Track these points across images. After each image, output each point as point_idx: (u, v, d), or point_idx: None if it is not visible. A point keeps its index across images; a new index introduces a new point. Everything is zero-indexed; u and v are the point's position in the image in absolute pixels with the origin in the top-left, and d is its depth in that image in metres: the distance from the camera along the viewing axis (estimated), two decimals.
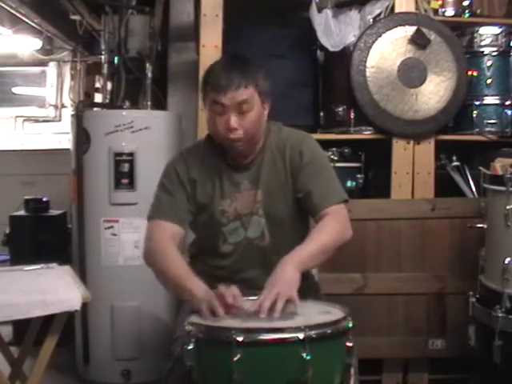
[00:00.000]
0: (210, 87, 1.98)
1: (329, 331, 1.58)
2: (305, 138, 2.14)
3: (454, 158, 3.17)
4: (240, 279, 2.00)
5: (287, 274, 1.80)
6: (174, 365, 1.87)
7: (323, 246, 1.92)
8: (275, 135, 2.12)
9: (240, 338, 1.52)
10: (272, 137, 2.11)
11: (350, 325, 1.64)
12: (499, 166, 2.51)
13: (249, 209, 2.07)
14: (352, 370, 1.65)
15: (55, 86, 6.93)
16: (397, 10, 3.08)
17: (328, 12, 3.07)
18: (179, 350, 1.82)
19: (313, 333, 1.54)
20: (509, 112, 3.11)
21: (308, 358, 1.51)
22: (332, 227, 1.97)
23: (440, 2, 3.14)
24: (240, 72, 1.97)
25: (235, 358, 1.51)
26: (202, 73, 2.97)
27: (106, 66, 3.85)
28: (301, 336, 1.52)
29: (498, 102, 3.12)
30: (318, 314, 1.73)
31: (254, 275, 2.04)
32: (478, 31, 3.11)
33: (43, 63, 6.81)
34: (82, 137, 3.21)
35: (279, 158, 2.08)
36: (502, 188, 2.40)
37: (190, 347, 1.60)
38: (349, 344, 1.63)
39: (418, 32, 3.01)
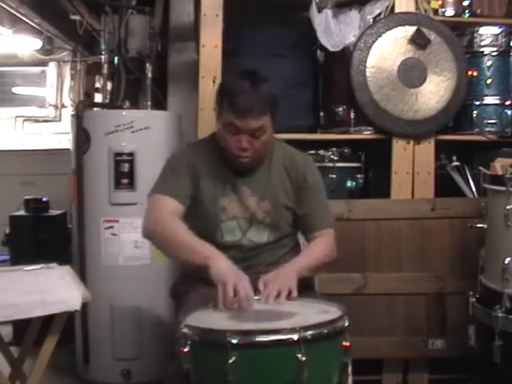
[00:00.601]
0: (227, 108, 2.05)
1: (324, 332, 1.58)
2: (309, 163, 2.29)
3: (454, 158, 3.17)
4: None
5: (286, 272, 1.98)
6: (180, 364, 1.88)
7: (317, 260, 2.13)
8: (281, 152, 2.23)
9: (235, 341, 1.52)
10: (277, 153, 2.22)
11: (346, 324, 1.63)
12: (499, 166, 2.51)
13: (247, 213, 2.16)
14: (349, 369, 1.64)
15: (55, 85, 6.92)
16: (397, 10, 3.08)
17: (328, 12, 3.07)
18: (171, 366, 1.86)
19: (307, 334, 1.54)
20: (509, 112, 3.11)
21: (303, 358, 1.51)
22: (324, 247, 2.17)
23: (440, 2, 3.14)
24: (260, 100, 2.04)
25: (230, 360, 1.51)
26: (202, 73, 3.02)
27: (105, 66, 3.85)
28: (295, 337, 1.52)
29: (498, 101, 3.12)
30: (315, 313, 1.73)
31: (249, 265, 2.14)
32: (477, 31, 3.11)
33: (43, 63, 6.80)
34: (82, 137, 3.21)
35: (286, 175, 2.20)
36: (502, 188, 2.40)
37: (186, 349, 1.60)
38: (345, 343, 1.62)
39: (418, 32, 3.01)
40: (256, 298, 1.85)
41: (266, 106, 2.05)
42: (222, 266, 1.89)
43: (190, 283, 2.16)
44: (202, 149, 2.22)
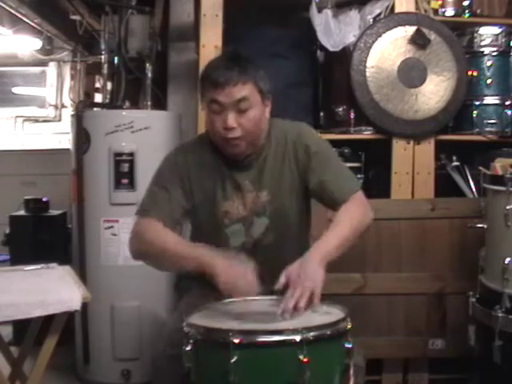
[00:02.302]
0: (207, 84, 1.93)
1: (326, 333, 1.57)
2: (303, 129, 2.09)
3: (454, 158, 3.17)
4: None
5: (311, 266, 1.77)
6: (162, 363, 1.88)
7: (345, 236, 1.87)
8: (276, 134, 2.06)
9: (237, 340, 1.51)
10: (273, 134, 2.05)
11: (349, 326, 1.63)
12: (499, 166, 2.51)
13: (252, 210, 2.03)
14: (351, 371, 1.64)
15: (55, 86, 6.92)
16: (397, 10, 3.08)
17: (328, 12, 3.07)
18: (169, 350, 1.84)
19: (310, 335, 1.53)
20: (509, 112, 3.11)
21: (305, 359, 1.51)
22: (352, 215, 1.92)
23: (440, 2, 3.14)
24: (238, 68, 1.91)
25: (232, 360, 1.50)
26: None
27: (105, 66, 3.85)
28: (298, 338, 1.52)
29: (498, 101, 3.11)
30: (318, 314, 1.73)
31: (258, 273, 1.97)
32: (477, 31, 3.11)
33: (43, 63, 6.80)
34: (82, 137, 3.22)
35: (281, 155, 2.03)
36: (502, 188, 2.40)
37: (188, 348, 1.60)
38: (347, 345, 1.62)
39: (418, 32, 3.01)
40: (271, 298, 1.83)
41: (246, 75, 1.91)
42: (225, 271, 1.78)
43: (192, 278, 2.09)
44: (194, 150, 2.07)
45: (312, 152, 2.01)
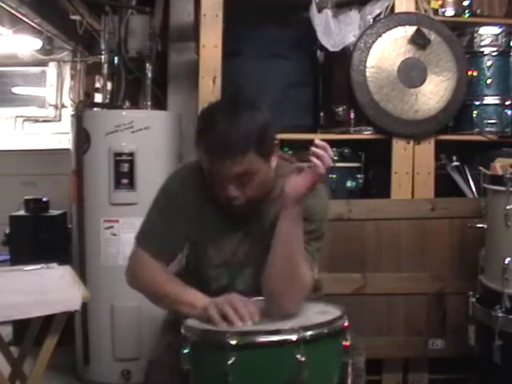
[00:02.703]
0: (202, 151, 1.73)
1: (323, 332, 1.58)
2: (315, 209, 1.82)
3: (454, 158, 3.16)
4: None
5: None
6: (150, 367, 1.87)
7: (291, 259, 1.69)
8: (278, 185, 1.82)
9: (234, 341, 1.52)
10: (276, 186, 1.82)
11: (345, 324, 1.63)
12: (499, 166, 2.51)
13: (237, 258, 1.87)
14: (349, 369, 1.64)
15: (55, 86, 6.92)
16: (397, 10, 3.08)
17: (328, 12, 3.07)
18: (156, 356, 1.85)
19: (307, 334, 1.53)
20: (509, 112, 3.11)
21: (303, 359, 1.51)
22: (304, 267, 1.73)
23: (440, 2, 3.14)
24: (238, 137, 1.66)
25: (230, 361, 1.51)
26: (202, 73, 3.02)
27: (105, 66, 3.85)
28: (294, 338, 1.52)
29: (498, 101, 3.11)
30: (315, 313, 1.73)
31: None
32: (477, 31, 3.10)
33: (43, 63, 6.80)
34: (82, 137, 3.22)
35: (276, 208, 1.79)
36: (502, 188, 2.40)
37: (186, 351, 1.60)
38: (345, 343, 1.62)
39: (418, 32, 3.01)
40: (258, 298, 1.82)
41: (247, 144, 1.67)
42: (200, 302, 1.71)
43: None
44: (191, 181, 1.87)
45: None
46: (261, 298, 1.79)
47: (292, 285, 1.69)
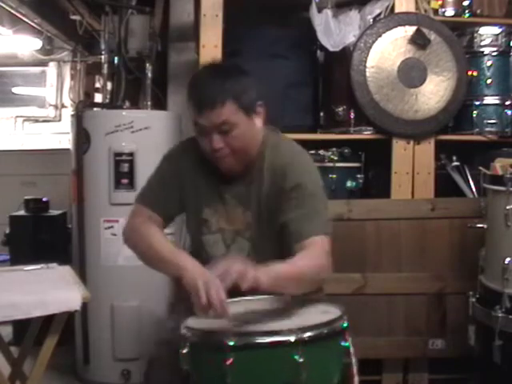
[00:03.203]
0: (190, 105, 1.88)
1: (322, 332, 1.57)
2: (294, 158, 1.92)
3: (454, 158, 3.16)
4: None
5: (259, 272, 1.61)
6: (149, 366, 1.87)
7: (300, 274, 1.71)
8: (273, 154, 1.92)
9: (232, 342, 1.51)
10: (268, 154, 1.93)
11: (345, 324, 1.63)
12: (499, 166, 2.51)
13: (233, 226, 1.94)
14: (354, 369, 1.64)
15: (55, 85, 6.92)
16: (397, 10, 3.08)
17: (328, 12, 3.07)
18: (156, 354, 1.84)
19: (305, 335, 1.53)
20: (509, 112, 3.11)
21: (301, 360, 1.50)
22: (310, 259, 1.75)
23: (440, 2, 3.14)
24: (214, 88, 1.80)
25: (228, 362, 1.50)
26: None
27: (105, 66, 3.85)
28: (292, 339, 1.51)
29: (498, 102, 3.11)
30: (314, 313, 1.72)
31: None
32: (477, 31, 3.11)
33: (43, 63, 6.80)
34: (82, 137, 3.22)
35: (269, 179, 1.91)
36: (502, 188, 2.40)
37: (185, 351, 1.60)
38: (345, 344, 1.62)
39: (418, 32, 3.01)
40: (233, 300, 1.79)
41: (225, 93, 1.79)
42: (192, 271, 1.68)
43: (178, 296, 2.09)
44: (192, 152, 1.98)
45: (292, 185, 1.85)
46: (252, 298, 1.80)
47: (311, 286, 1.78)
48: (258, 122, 1.91)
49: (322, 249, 1.79)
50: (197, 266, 1.72)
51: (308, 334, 1.54)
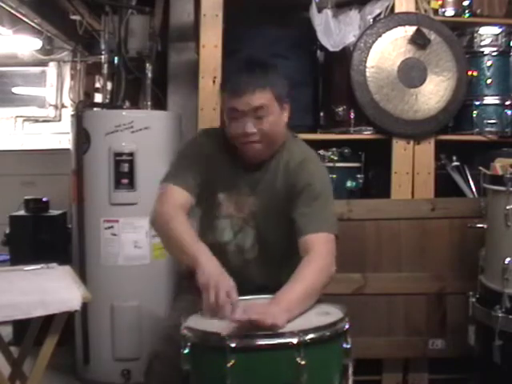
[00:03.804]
0: (226, 91, 1.98)
1: (324, 335, 1.57)
2: (307, 159, 2.05)
3: (454, 158, 3.17)
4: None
5: (275, 311, 1.65)
6: (152, 362, 1.88)
7: (309, 289, 1.77)
8: (289, 150, 2.05)
9: (234, 344, 1.51)
10: (286, 151, 2.05)
11: (346, 326, 1.63)
12: (499, 166, 2.51)
13: (242, 213, 2.04)
14: (350, 371, 1.64)
15: (55, 85, 6.92)
16: (397, 10, 3.08)
17: (328, 12, 3.07)
18: (157, 349, 1.86)
19: (307, 337, 1.53)
20: (509, 112, 3.11)
21: (303, 362, 1.50)
22: (317, 266, 1.82)
23: (440, 2, 3.14)
24: (256, 75, 1.94)
25: (229, 364, 1.50)
26: (202, 73, 3.02)
27: (105, 65, 3.85)
28: (294, 341, 1.51)
29: (497, 101, 3.11)
30: (316, 315, 1.72)
31: (241, 286, 1.83)
32: (477, 31, 3.11)
33: (43, 63, 6.79)
34: (82, 137, 3.22)
35: (283, 174, 2.03)
36: (502, 188, 2.40)
37: (186, 351, 1.60)
38: (346, 345, 1.62)
39: (418, 32, 3.01)
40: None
41: (264, 82, 1.93)
42: (208, 269, 1.75)
43: (182, 290, 2.16)
44: (215, 138, 2.11)
45: (304, 184, 1.97)
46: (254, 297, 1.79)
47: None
48: (285, 117, 2.04)
49: (326, 249, 1.87)
50: (213, 263, 1.79)
51: (310, 336, 1.54)
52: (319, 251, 1.85)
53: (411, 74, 3.03)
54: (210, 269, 1.76)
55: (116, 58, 3.69)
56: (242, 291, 1.78)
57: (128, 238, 3.16)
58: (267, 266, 2.03)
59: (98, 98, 5.64)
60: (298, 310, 1.72)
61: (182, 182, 2.00)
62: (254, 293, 1.88)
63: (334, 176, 3.03)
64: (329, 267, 1.85)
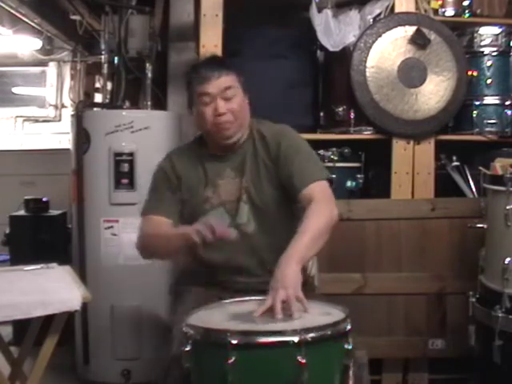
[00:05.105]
0: (195, 82, 2.15)
1: (325, 334, 1.57)
2: (283, 129, 2.22)
3: (454, 158, 3.17)
4: (233, 266, 2.10)
5: (289, 274, 1.77)
6: (171, 365, 1.87)
7: (316, 233, 1.89)
8: (259, 128, 2.22)
9: (235, 341, 1.51)
10: (256, 130, 2.22)
11: (348, 327, 1.63)
12: (499, 166, 2.51)
13: (234, 196, 2.15)
14: (351, 372, 1.63)
15: (55, 85, 6.92)
16: (397, 10, 3.08)
17: (328, 12, 3.07)
18: (175, 350, 1.83)
19: (308, 336, 1.52)
20: (509, 112, 3.11)
21: (304, 361, 1.50)
22: (320, 211, 1.94)
23: (440, 2, 3.14)
24: (219, 64, 2.18)
25: (230, 361, 1.50)
26: None
27: (105, 65, 3.85)
28: (296, 339, 1.51)
29: (498, 102, 3.11)
30: (317, 315, 1.72)
31: (245, 263, 2.12)
32: (477, 31, 3.11)
33: (43, 63, 6.80)
34: (82, 137, 3.22)
35: (262, 149, 2.17)
36: (502, 188, 2.40)
37: (188, 349, 1.60)
38: (347, 346, 1.62)
39: (418, 32, 3.01)
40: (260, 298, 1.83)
41: (228, 68, 2.15)
42: (193, 227, 1.93)
43: (186, 283, 2.19)
44: (183, 150, 2.31)
45: (283, 146, 2.13)
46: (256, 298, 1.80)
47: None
48: (247, 103, 2.20)
49: (323, 196, 2.01)
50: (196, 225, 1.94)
51: (311, 334, 1.53)
52: (317, 199, 1.97)
53: (411, 74, 3.03)
54: (195, 225, 1.93)
55: (116, 58, 3.68)
56: (251, 270, 2.07)
57: (128, 238, 3.15)
58: (269, 237, 2.12)
59: (98, 98, 5.64)
60: (309, 255, 1.89)
61: (159, 210, 2.17)
62: (263, 270, 2.05)
63: (334, 176, 3.03)
64: (330, 211, 1.97)
